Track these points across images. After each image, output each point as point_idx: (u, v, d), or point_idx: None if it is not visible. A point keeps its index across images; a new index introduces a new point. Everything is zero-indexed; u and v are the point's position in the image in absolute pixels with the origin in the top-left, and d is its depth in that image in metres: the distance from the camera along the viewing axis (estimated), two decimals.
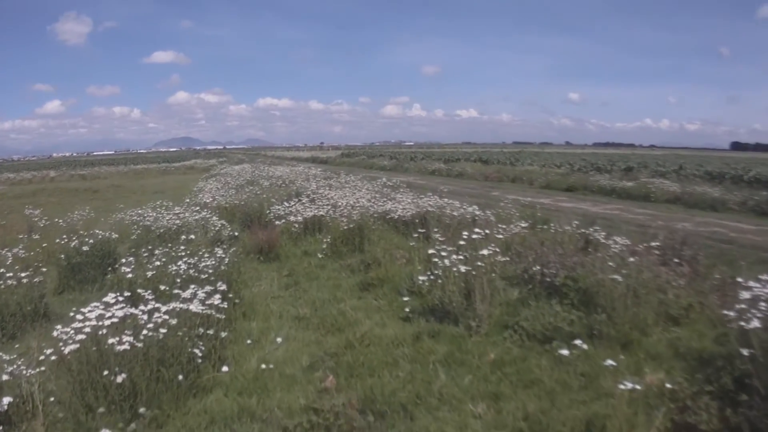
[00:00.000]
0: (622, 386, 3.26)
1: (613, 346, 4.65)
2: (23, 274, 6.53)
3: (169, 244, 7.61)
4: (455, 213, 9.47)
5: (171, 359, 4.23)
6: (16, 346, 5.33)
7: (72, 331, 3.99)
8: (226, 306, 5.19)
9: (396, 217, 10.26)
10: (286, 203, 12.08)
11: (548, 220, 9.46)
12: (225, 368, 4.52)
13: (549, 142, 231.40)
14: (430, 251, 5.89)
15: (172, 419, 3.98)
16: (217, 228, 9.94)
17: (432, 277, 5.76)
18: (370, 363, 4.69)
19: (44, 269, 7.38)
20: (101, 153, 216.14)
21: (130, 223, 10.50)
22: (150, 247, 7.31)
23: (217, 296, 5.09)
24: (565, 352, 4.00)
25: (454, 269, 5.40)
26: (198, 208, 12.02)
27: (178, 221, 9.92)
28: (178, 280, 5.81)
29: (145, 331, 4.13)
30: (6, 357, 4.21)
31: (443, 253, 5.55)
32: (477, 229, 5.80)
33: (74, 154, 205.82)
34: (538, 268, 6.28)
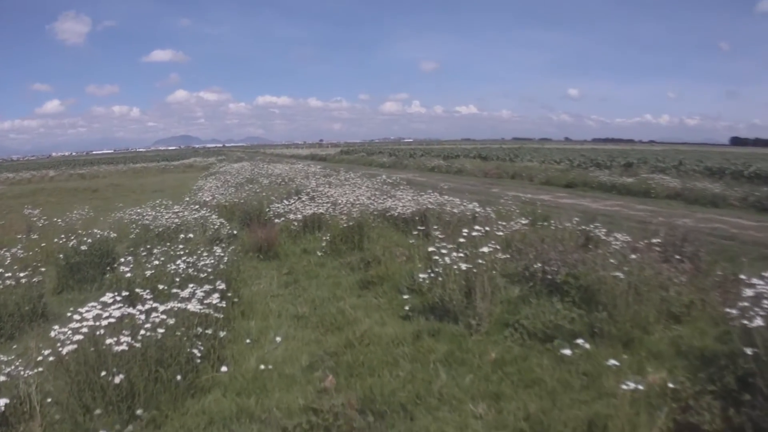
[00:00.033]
0: (624, 386, 3.22)
1: (615, 345, 4.62)
2: (22, 274, 6.51)
3: (168, 243, 7.58)
4: (455, 210, 9.43)
5: (169, 359, 4.20)
6: (14, 346, 5.29)
7: (69, 332, 3.96)
8: (224, 305, 5.17)
9: (396, 214, 10.23)
10: (285, 201, 12.07)
11: (548, 216, 9.43)
12: (224, 368, 4.49)
13: (548, 138, 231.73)
14: (430, 249, 5.85)
15: (171, 420, 3.95)
16: (216, 226, 9.91)
17: (432, 274, 5.72)
18: (370, 362, 4.65)
19: (43, 269, 7.37)
20: (100, 152, 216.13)
21: (129, 222, 10.47)
22: (149, 246, 7.28)
23: (216, 295, 5.07)
24: (567, 352, 3.96)
25: (455, 267, 5.36)
26: (197, 206, 11.99)
27: (177, 220, 9.89)
28: (177, 280, 5.78)
29: (143, 331, 4.10)
30: (4, 357, 4.20)
31: (443, 251, 5.51)
32: (477, 227, 5.77)
33: (73, 154, 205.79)
34: (539, 265, 6.24)
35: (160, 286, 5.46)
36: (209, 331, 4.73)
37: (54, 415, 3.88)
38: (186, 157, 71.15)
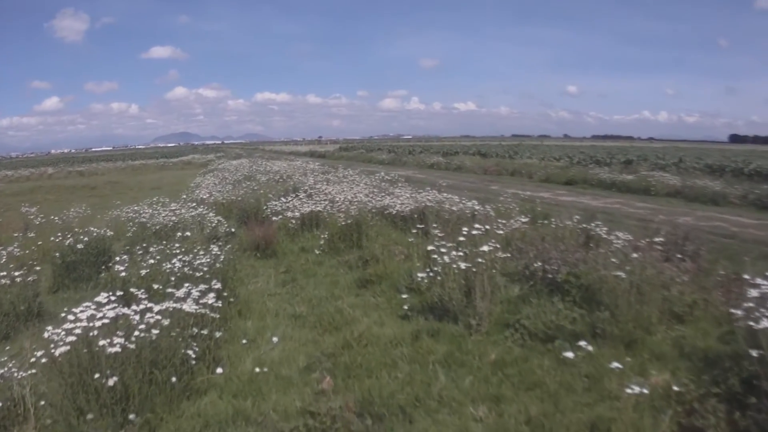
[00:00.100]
0: (629, 390, 3.15)
1: (617, 346, 4.55)
2: (17, 273, 6.45)
3: (164, 242, 7.51)
4: (454, 208, 9.37)
5: (164, 361, 4.13)
6: (7, 348, 5.25)
7: (63, 333, 3.88)
8: (220, 305, 5.09)
9: (394, 212, 10.15)
10: (283, 199, 12.01)
11: (548, 214, 9.37)
12: (219, 370, 4.43)
13: (547, 134, 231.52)
14: (429, 247, 5.78)
15: (165, 422, 3.89)
16: (214, 224, 9.85)
17: (431, 273, 5.66)
18: (368, 364, 4.59)
19: (38, 268, 7.32)
20: (99, 149, 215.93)
21: (126, 221, 10.41)
22: (145, 245, 7.21)
23: (212, 295, 4.99)
24: (569, 354, 3.89)
25: (454, 266, 5.29)
26: (194, 204, 11.93)
27: (174, 218, 9.84)
28: (173, 279, 5.71)
29: (137, 332, 4.02)
30: None
31: (442, 250, 5.44)
32: (477, 225, 5.70)
33: (72, 151, 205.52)
34: (540, 264, 6.18)
35: (156, 286, 5.40)
36: (205, 332, 4.66)
37: (45, 420, 3.82)
38: (185, 154, 71.13)
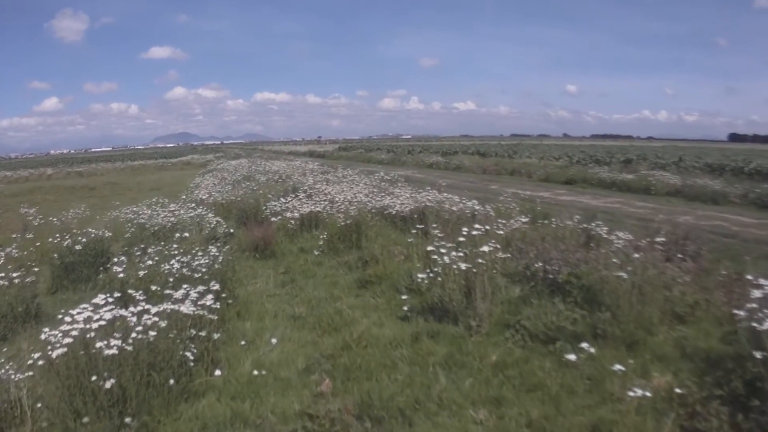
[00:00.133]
0: (631, 393, 3.11)
1: (619, 347, 4.51)
2: (15, 275, 6.42)
3: (162, 242, 7.48)
4: (454, 208, 9.34)
5: (162, 363, 4.09)
6: (5, 349, 5.20)
7: (60, 334, 3.85)
8: (218, 306, 5.05)
9: (394, 212, 10.11)
10: (282, 199, 11.97)
11: (549, 214, 9.34)
12: (217, 372, 4.39)
13: (547, 134, 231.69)
14: (429, 248, 5.75)
15: (163, 425, 3.86)
16: (213, 225, 9.81)
17: (431, 274, 5.62)
18: (368, 365, 4.55)
19: (36, 269, 7.29)
20: (99, 149, 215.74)
21: (125, 221, 10.37)
22: (143, 246, 7.17)
23: (210, 296, 4.96)
24: (572, 356, 3.85)
25: (454, 266, 5.25)
26: (193, 204, 11.90)
27: (172, 218, 9.79)
28: (171, 280, 5.67)
29: (134, 334, 3.99)
30: None
31: (442, 250, 5.41)
32: (477, 225, 5.67)
33: (72, 151, 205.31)
34: (540, 264, 6.14)
35: (154, 287, 5.36)
36: (203, 333, 4.63)
37: (42, 423, 3.78)
38: (184, 154, 71.12)
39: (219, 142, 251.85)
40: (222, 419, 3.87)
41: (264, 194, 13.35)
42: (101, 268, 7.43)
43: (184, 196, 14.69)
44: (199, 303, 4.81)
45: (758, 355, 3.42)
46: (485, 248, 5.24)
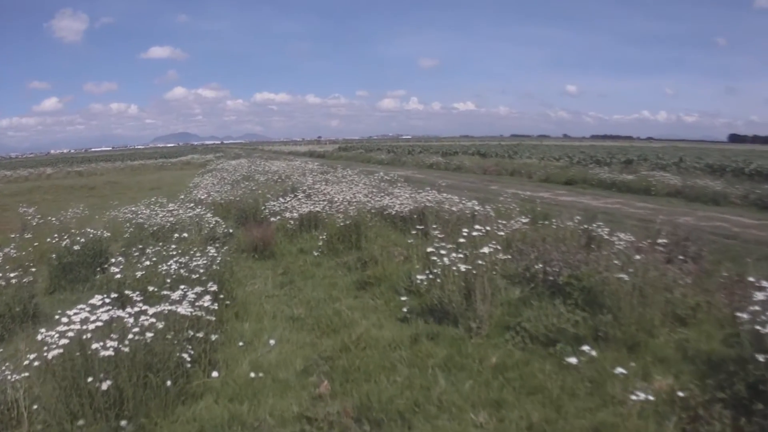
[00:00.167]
0: (633, 397, 3.08)
1: (620, 349, 4.47)
2: (12, 275, 6.38)
3: (161, 243, 7.44)
4: (454, 208, 9.30)
5: (158, 364, 4.06)
6: (1, 350, 5.17)
7: (56, 335, 3.82)
8: (216, 307, 5.01)
9: (393, 212, 10.08)
10: (281, 199, 11.93)
11: (549, 215, 9.30)
12: (215, 373, 4.36)
13: (546, 134, 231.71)
14: (429, 249, 5.72)
15: (160, 427, 3.83)
16: (212, 225, 9.77)
17: (431, 275, 5.57)
18: (367, 367, 4.51)
19: (34, 269, 7.24)
20: (99, 149, 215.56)
21: (124, 221, 10.33)
22: (141, 246, 7.14)
23: (208, 297, 4.92)
24: (573, 360, 3.81)
25: (454, 268, 5.22)
26: (192, 204, 11.86)
27: (171, 218, 9.76)
28: (168, 281, 5.63)
29: (131, 335, 3.95)
30: None
31: (442, 251, 5.37)
32: (477, 226, 5.64)
33: (72, 151, 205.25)
34: (541, 266, 6.10)
35: (151, 288, 5.32)
36: (200, 335, 4.59)
37: (42, 422, 3.76)
38: (184, 154, 71.13)
39: (219, 142, 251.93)
40: (219, 421, 3.83)
41: (263, 194, 13.31)
42: (99, 269, 7.40)
43: (183, 196, 14.66)
44: (196, 304, 4.77)
45: (761, 358, 3.39)
46: (485, 249, 5.21)
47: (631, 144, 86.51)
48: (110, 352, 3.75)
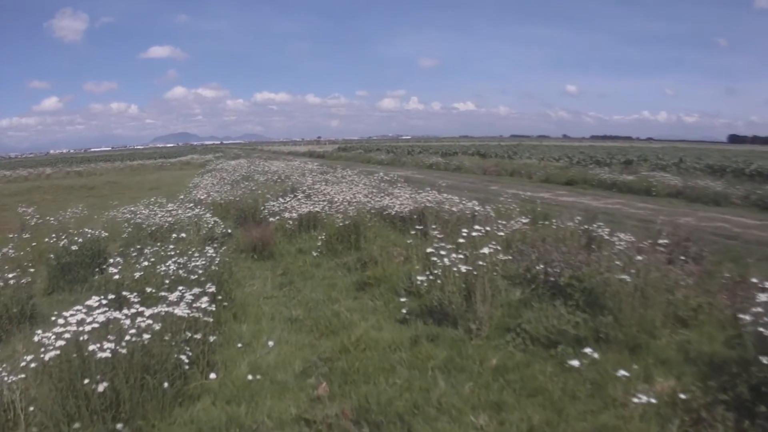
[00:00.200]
0: (636, 399, 3.04)
1: (621, 350, 4.43)
2: (10, 275, 6.35)
3: (158, 243, 7.41)
4: (454, 209, 9.27)
5: (156, 366, 4.02)
6: None
7: (53, 337, 3.78)
8: (214, 309, 4.97)
9: (393, 213, 10.05)
10: (281, 199, 11.89)
11: (549, 215, 9.28)
12: (212, 375, 4.32)
13: (546, 135, 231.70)
14: (429, 249, 5.68)
15: (157, 429, 3.79)
16: (210, 225, 9.73)
17: (431, 276, 5.53)
18: (366, 369, 4.47)
19: (32, 269, 7.20)
20: (98, 149, 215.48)
21: (122, 221, 10.29)
22: (139, 246, 7.10)
23: (205, 298, 4.88)
24: (575, 363, 3.76)
25: (454, 268, 5.18)
26: (191, 204, 11.83)
27: (170, 219, 9.72)
28: (167, 282, 5.60)
29: (128, 337, 3.91)
30: None
31: (442, 252, 5.33)
32: (477, 226, 5.60)
33: (71, 151, 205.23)
34: (541, 266, 6.06)
35: (149, 289, 5.28)
36: (198, 336, 4.55)
37: (33, 427, 3.72)
38: (184, 154, 71.14)
39: (218, 142, 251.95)
40: (217, 423, 3.79)
41: (262, 194, 13.27)
42: (97, 269, 7.37)
43: (182, 196, 14.63)
44: (194, 305, 4.73)
45: (764, 360, 3.35)
46: (485, 250, 5.17)
47: (630, 144, 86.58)
48: (107, 354, 3.71)
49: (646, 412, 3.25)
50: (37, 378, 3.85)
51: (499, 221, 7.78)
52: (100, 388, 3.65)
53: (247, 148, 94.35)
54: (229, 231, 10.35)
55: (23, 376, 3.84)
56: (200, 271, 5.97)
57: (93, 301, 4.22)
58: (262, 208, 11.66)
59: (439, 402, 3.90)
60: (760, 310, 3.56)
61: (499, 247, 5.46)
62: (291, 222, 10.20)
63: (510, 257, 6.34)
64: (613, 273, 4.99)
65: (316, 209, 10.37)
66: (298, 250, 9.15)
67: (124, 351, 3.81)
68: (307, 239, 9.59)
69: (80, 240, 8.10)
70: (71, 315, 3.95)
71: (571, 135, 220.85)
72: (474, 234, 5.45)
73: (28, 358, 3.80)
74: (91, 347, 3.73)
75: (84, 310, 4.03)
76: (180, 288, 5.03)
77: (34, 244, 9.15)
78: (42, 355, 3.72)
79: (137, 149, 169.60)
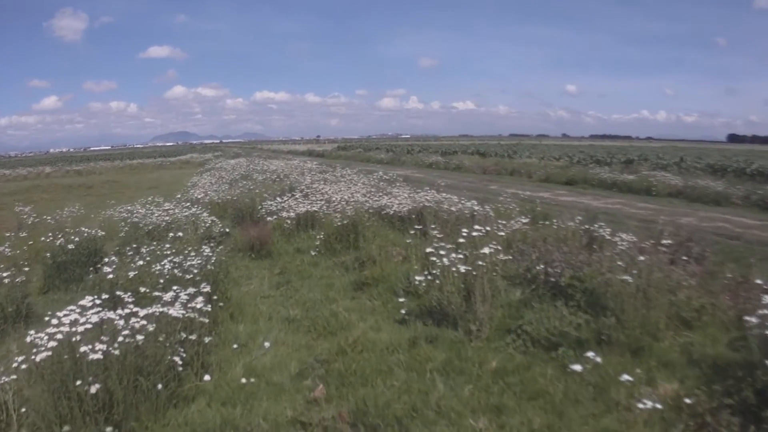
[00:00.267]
0: (640, 405, 2.96)
1: (624, 353, 4.36)
2: (5, 274, 6.29)
3: (155, 242, 7.34)
4: (453, 208, 9.20)
5: (149, 367, 3.96)
6: None
7: (45, 337, 3.72)
8: (209, 309, 4.89)
9: (392, 212, 9.98)
10: (279, 198, 11.82)
11: (549, 215, 9.21)
12: (207, 377, 4.26)
13: (546, 134, 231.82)
14: (428, 249, 5.60)
15: (151, 431, 3.71)
16: (208, 224, 9.67)
17: (429, 276, 5.45)
18: (363, 371, 4.40)
19: (27, 268, 7.15)
20: (98, 148, 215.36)
21: (119, 220, 10.23)
22: (135, 246, 7.03)
23: (200, 298, 4.81)
24: (577, 367, 3.68)
25: (453, 269, 5.10)
26: (189, 204, 11.76)
27: (167, 218, 9.66)
28: (162, 281, 5.53)
29: (121, 338, 3.85)
30: None
31: (441, 252, 5.25)
32: (476, 226, 5.53)
33: (71, 150, 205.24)
34: (542, 267, 5.98)
35: (143, 289, 5.21)
36: (193, 337, 4.49)
37: (26, 428, 3.66)
38: (183, 153, 71.12)
39: (218, 141, 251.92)
40: (211, 425, 3.73)
41: (261, 193, 13.21)
42: (93, 268, 7.31)
43: (180, 195, 14.58)
44: (189, 306, 4.66)
45: None
46: (485, 250, 5.10)
47: (630, 144, 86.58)
48: (99, 355, 3.65)
49: (650, 416, 3.18)
50: (30, 379, 3.81)
51: (499, 221, 7.71)
52: (93, 389, 3.58)
53: (246, 147, 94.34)
54: (227, 230, 10.31)
55: (16, 377, 3.78)
56: (196, 271, 5.90)
57: (86, 301, 4.16)
58: (260, 207, 11.60)
59: (438, 405, 3.83)
60: (765, 312, 3.49)
61: (499, 247, 5.39)
62: (289, 221, 10.15)
63: (510, 257, 6.27)
64: (615, 273, 4.92)
65: (314, 209, 10.32)
66: (296, 249, 9.09)
67: (116, 352, 3.75)
68: (305, 238, 9.53)
69: (77, 239, 8.03)
70: (65, 315, 3.90)
71: (571, 134, 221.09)
72: (474, 234, 5.38)
73: (20, 359, 3.75)
74: (83, 348, 3.67)
75: (77, 310, 3.97)
76: (175, 288, 4.96)
77: (30, 242, 9.09)
78: (34, 356, 3.66)
79: (137, 148, 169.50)
